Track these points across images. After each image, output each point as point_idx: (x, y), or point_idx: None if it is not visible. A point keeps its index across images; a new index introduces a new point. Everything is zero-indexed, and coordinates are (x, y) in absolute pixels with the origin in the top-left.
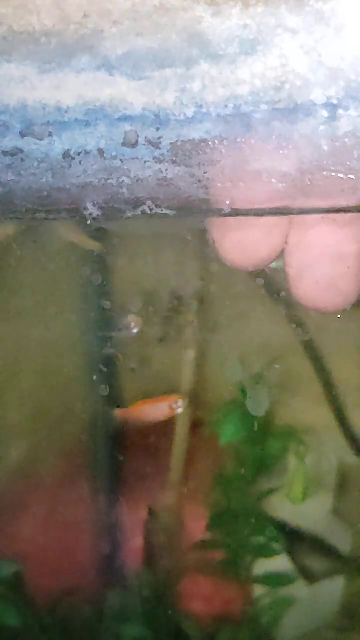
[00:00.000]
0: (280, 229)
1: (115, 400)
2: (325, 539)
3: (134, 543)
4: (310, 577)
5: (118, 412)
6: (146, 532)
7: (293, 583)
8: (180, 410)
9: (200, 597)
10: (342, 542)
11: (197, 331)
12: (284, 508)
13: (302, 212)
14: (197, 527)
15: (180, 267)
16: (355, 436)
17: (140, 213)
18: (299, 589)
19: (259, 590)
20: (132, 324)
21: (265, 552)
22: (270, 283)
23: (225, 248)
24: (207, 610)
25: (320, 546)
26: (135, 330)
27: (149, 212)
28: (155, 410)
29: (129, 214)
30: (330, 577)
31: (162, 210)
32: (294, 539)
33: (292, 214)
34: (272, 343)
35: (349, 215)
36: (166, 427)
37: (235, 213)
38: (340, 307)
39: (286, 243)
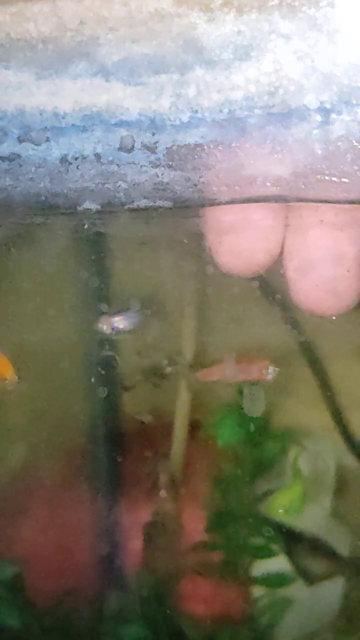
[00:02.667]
0: (276, 233)
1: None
2: (323, 540)
3: (134, 544)
4: (309, 578)
5: (200, 373)
6: (145, 533)
7: (291, 584)
8: (269, 377)
9: (200, 598)
10: (341, 543)
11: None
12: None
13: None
14: (195, 528)
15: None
16: (353, 437)
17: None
18: (298, 590)
19: (258, 591)
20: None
21: (264, 553)
22: (266, 285)
23: (220, 254)
24: (206, 611)
25: (318, 547)
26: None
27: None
28: (242, 372)
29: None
30: (329, 579)
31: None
32: (292, 540)
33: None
34: (269, 345)
35: (347, 217)
36: (164, 428)
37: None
38: (340, 311)
39: (283, 247)
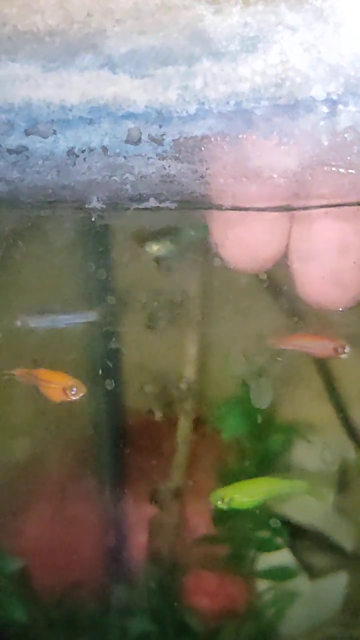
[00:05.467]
0: (282, 226)
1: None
2: (327, 534)
3: (139, 538)
4: (312, 572)
5: (275, 340)
6: (151, 527)
7: (295, 577)
8: (344, 356)
9: (205, 591)
10: (345, 538)
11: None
12: (286, 503)
13: (305, 207)
14: (200, 522)
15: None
16: (357, 431)
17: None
18: (302, 585)
19: (262, 585)
20: None
21: (268, 546)
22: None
23: (227, 250)
24: (211, 604)
25: (322, 542)
26: None
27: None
28: (316, 347)
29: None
30: (333, 573)
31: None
32: (297, 535)
33: (294, 210)
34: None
35: (352, 208)
36: (169, 422)
37: (237, 208)
38: (347, 303)
39: (289, 239)
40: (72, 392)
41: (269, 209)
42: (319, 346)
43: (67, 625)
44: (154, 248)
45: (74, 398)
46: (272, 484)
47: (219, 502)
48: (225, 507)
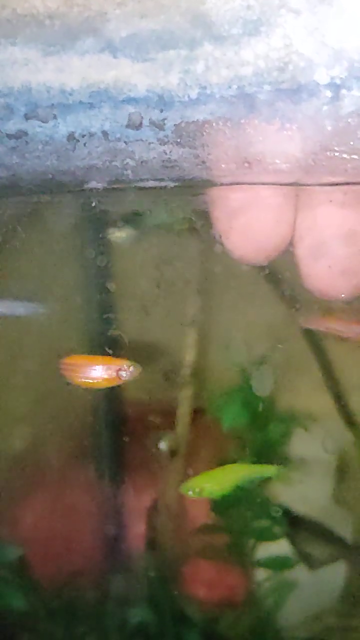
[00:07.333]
0: (287, 214)
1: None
2: (326, 524)
3: (138, 528)
4: (311, 562)
5: (306, 320)
6: (149, 516)
7: (294, 567)
8: None
9: (204, 581)
10: (343, 528)
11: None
12: (285, 493)
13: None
14: (199, 511)
15: None
16: (355, 422)
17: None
18: (301, 574)
19: (261, 574)
20: None
21: (267, 535)
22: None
23: (231, 240)
24: (210, 594)
25: (321, 532)
26: None
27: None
28: (348, 330)
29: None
30: (332, 563)
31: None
32: (295, 525)
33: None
34: (274, 328)
35: (356, 195)
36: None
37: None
38: (352, 292)
39: (294, 229)
40: (127, 370)
41: (279, 182)
42: (351, 330)
43: (67, 614)
44: (117, 235)
45: (124, 379)
46: (242, 471)
47: (190, 493)
48: (196, 496)
